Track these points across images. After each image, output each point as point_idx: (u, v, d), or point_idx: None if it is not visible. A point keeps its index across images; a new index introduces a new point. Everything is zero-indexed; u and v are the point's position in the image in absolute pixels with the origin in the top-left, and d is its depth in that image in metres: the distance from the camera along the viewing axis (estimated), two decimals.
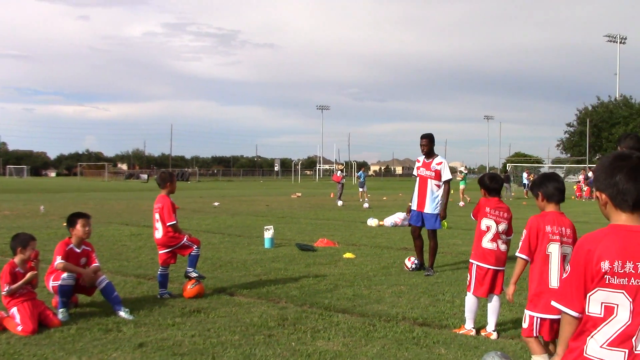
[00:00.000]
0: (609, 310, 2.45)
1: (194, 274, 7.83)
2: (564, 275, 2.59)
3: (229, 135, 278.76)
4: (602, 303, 2.46)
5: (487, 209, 6.15)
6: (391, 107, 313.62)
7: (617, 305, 2.45)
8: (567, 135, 79.49)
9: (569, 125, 79.32)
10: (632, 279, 2.43)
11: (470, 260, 6.22)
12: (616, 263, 2.42)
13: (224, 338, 5.87)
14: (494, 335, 6.06)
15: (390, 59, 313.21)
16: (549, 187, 4.71)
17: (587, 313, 2.49)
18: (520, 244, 4.75)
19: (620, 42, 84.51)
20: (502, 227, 6.16)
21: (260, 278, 9.07)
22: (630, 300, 2.44)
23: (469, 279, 6.21)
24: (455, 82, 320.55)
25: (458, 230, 16.40)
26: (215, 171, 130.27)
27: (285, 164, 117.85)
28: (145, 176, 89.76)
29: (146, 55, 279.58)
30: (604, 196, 2.56)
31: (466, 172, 36.66)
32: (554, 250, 4.60)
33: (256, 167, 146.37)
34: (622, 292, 2.44)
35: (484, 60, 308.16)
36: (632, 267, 2.43)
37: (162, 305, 7.26)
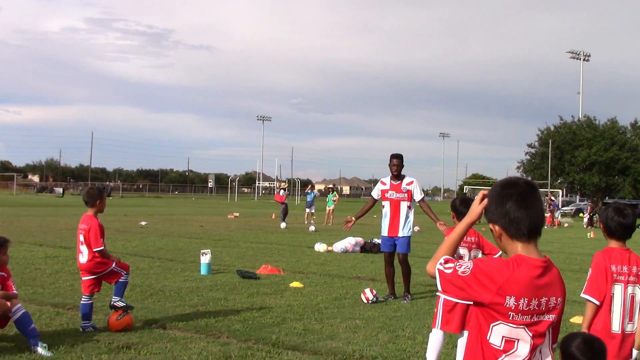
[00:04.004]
0: (509, 344, 2.61)
1: (120, 304, 7.63)
2: (463, 273, 2.65)
3: (158, 146, 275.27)
4: (503, 337, 2.61)
5: None
6: (338, 120, 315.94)
7: (518, 340, 2.61)
8: (528, 157, 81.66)
9: (530, 146, 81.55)
10: (535, 315, 2.61)
11: (438, 293, 6.24)
12: (522, 300, 2.58)
13: None
14: None
15: (339, 67, 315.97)
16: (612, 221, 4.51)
17: (488, 340, 2.64)
18: (586, 283, 4.52)
19: (584, 59, 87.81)
20: (474, 253, 6.27)
21: (198, 309, 8.90)
22: (531, 335, 2.62)
23: (435, 313, 6.24)
24: (409, 96, 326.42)
25: (414, 258, 16.48)
26: (141, 186, 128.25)
27: (221, 180, 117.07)
28: (60, 190, 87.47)
29: (65, 53, 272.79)
30: (497, 227, 2.73)
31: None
32: (618, 291, 4.41)
33: (188, 182, 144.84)
34: (524, 328, 2.60)
35: (440, 73, 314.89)
36: (537, 304, 2.60)
37: (86, 339, 7.01)
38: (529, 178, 78.59)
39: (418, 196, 10.43)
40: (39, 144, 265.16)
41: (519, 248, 2.69)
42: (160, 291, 10.24)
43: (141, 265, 13.36)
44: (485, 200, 2.80)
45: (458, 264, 2.72)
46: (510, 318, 2.59)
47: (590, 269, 4.51)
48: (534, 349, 2.64)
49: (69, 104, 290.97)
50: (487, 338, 2.64)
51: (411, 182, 10.40)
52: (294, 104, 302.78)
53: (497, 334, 2.62)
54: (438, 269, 2.74)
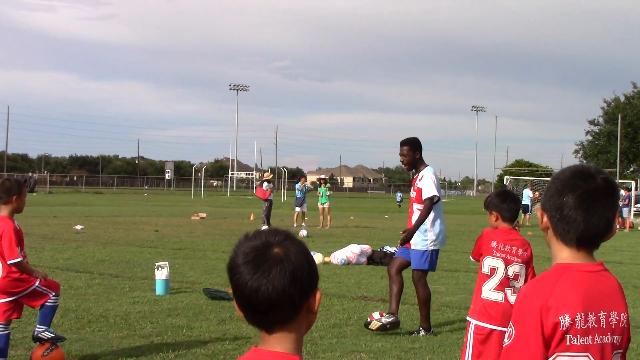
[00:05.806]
0: None
1: (47, 335, 7.68)
2: (506, 342, 2.71)
3: (97, 125, 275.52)
4: None
5: (494, 244, 6.22)
6: (338, 89, 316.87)
7: None
8: (590, 138, 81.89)
9: (592, 123, 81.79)
10: (596, 335, 2.62)
11: (467, 318, 6.29)
12: (578, 316, 2.59)
13: None
14: None
15: (338, 20, 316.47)
16: None
17: None
18: None
19: None
20: (514, 269, 6.22)
21: (152, 340, 8.95)
22: None
23: (464, 344, 6.28)
24: (430, 57, 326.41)
25: (439, 271, 16.49)
26: (76, 178, 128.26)
27: (182, 170, 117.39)
28: None
29: None
30: (545, 218, 2.78)
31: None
32: None
33: (138, 173, 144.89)
34: (587, 356, 2.61)
35: (472, 27, 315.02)
36: (595, 321, 2.62)
37: None
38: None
39: (425, 194, 9.83)
40: None
41: (565, 254, 2.74)
42: (102, 317, 10.28)
43: (76, 283, 13.38)
44: None
45: (507, 333, 2.74)
46: (568, 343, 2.59)
47: None
48: None
49: None
50: None
51: (422, 177, 9.98)
52: (278, 69, 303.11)
53: None
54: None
